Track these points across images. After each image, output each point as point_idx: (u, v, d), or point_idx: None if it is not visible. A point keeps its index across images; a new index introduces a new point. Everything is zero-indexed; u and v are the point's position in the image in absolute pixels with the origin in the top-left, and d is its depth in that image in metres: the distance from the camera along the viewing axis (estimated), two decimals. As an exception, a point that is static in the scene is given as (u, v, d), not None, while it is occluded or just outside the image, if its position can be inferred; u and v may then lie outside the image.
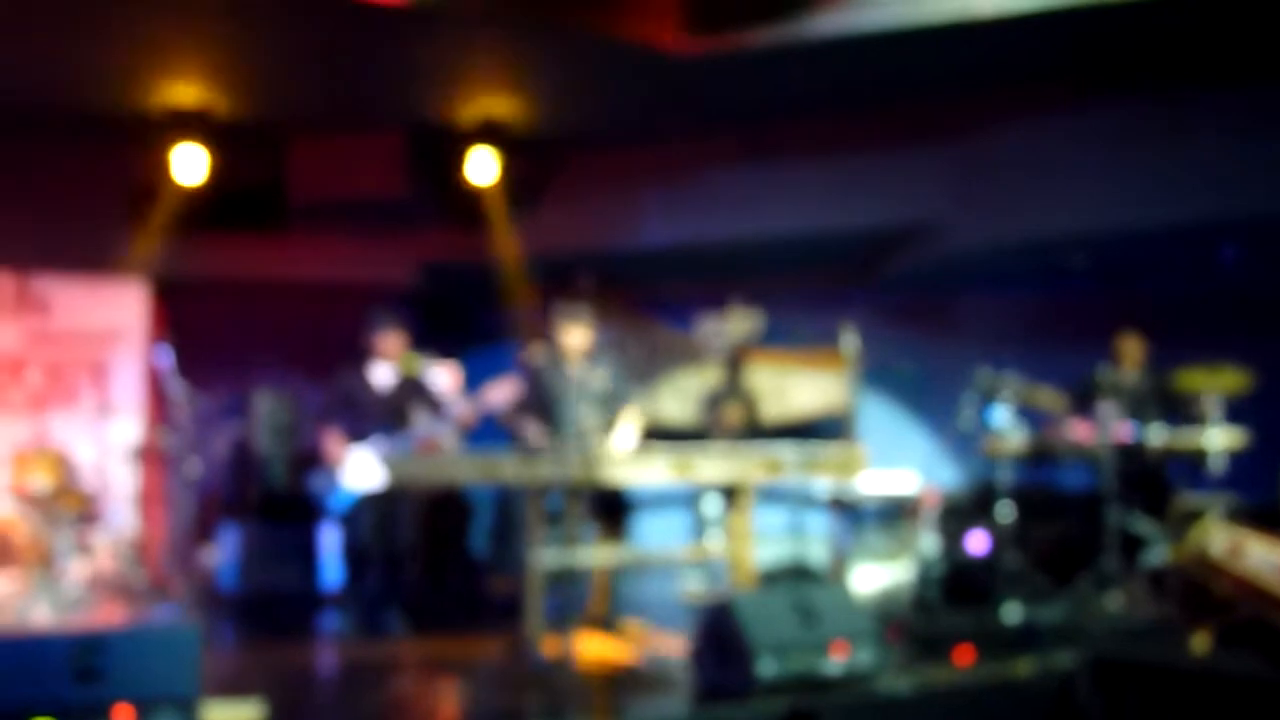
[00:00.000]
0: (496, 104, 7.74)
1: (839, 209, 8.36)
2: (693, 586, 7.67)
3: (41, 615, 6.17)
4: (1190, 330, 6.77)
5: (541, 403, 5.74)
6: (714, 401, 8.77)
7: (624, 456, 5.28)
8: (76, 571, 6.87)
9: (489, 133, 7.93)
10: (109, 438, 7.15)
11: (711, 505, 8.07)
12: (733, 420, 8.29)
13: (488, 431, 7.07)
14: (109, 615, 6.47)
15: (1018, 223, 7.82)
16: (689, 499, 9.19)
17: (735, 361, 8.92)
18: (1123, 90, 7.40)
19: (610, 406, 5.84)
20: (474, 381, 7.54)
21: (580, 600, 5.65)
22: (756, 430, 8.79)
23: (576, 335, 5.80)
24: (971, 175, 8.06)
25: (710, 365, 9.03)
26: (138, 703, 3.14)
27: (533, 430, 5.61)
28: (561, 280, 8.96)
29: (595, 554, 5.54)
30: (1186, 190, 7.15)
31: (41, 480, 6.82)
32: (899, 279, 9.08)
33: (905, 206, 8.28)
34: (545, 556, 5.04)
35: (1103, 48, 6.85)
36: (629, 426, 5.87)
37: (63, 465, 6.94)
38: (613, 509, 5.78)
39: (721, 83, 7.50)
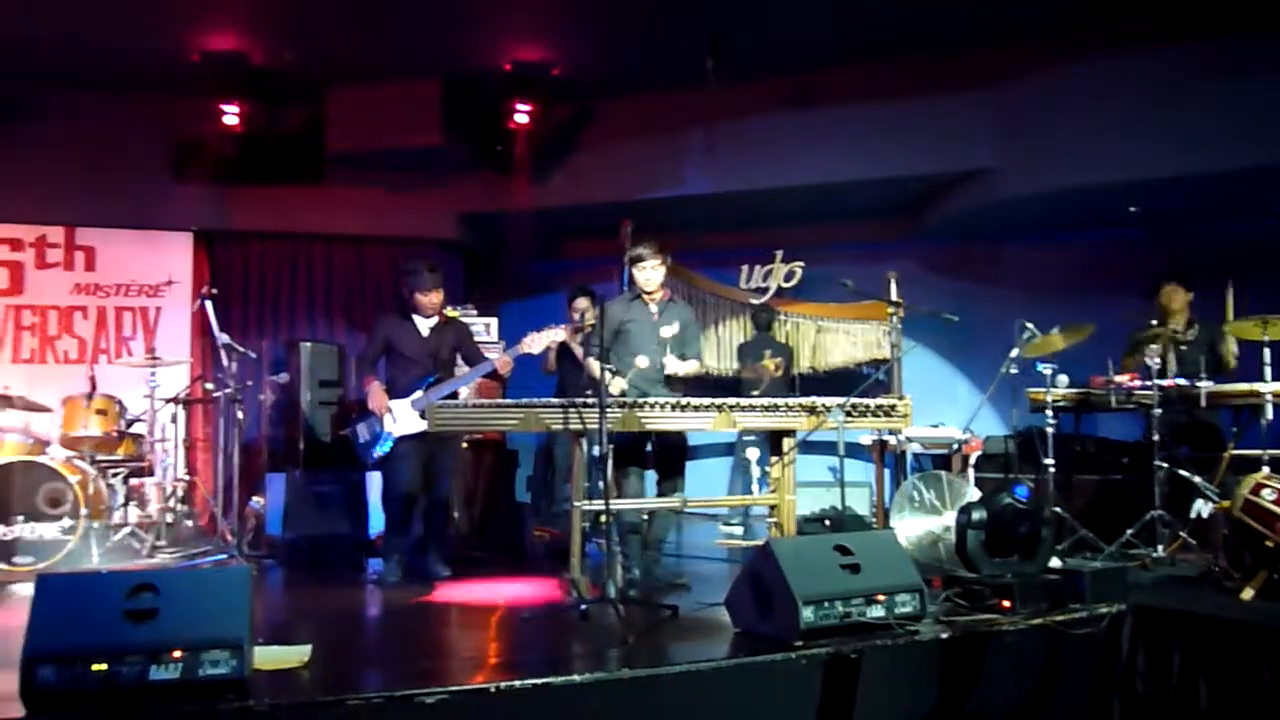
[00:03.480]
0: (534, 49, 7.68)
1: (884, 157, 8.26)
2: (734, 533, 7.69)
3: (94, 560, 6.29)
4: (1244, 279, 6.62)
5: (617, 341, 5.64)
6: (745, 353, 8.75)
7: (668, 404, 5.24)
8: (128, 517, 7.00)
9: (526, 79, 7.88)
10: (157, 387, 7.23)
11: (753, 454, 8.08)
12: (766, 371, 8.26)
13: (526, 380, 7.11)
14: (160, 559, 6.58)
15: (1066, 170, 7.70)
16: (729, 446, 9.21)
17: (766, 313, 8.88)
18: (1173, 36, 7.24)
19: (683, 351, 5.73)
20: (510, 332, 7.55)
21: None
22: (801, 380, 8.78)
23: (649, 269, 5.65)
24: (1019, 122, 7.93)
25: (748, 317, 9.01)
26: (188, 644, 3.17)
27: (594, 366, 5.50)
28: (603, 230, 8.97)
29: (636, 502, 5.53)
30: (1238, 136, 7.01)
31: (93, 428, 6.93)
32: (944, 228, 8.98)
33: (951, 154, 8.17)
34: (587, 503, 5.06)
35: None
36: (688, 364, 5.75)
37: (114, 413, 7.02)
38: (670, 456, 5.71)
39: (764, 28, 7.41)
